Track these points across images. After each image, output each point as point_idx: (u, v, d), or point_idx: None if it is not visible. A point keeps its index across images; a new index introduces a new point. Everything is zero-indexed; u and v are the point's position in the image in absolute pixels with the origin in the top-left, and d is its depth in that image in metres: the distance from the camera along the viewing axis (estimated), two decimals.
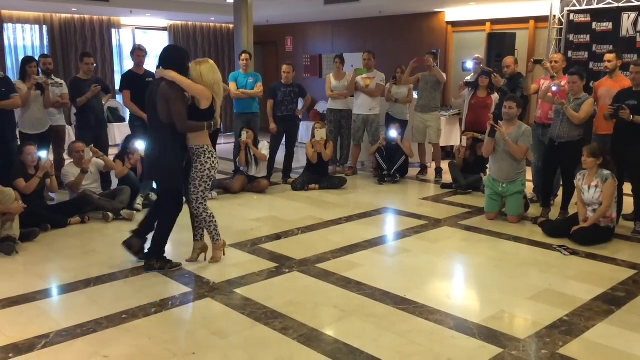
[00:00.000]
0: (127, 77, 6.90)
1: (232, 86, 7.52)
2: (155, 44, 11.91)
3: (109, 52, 11.06)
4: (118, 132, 10.19)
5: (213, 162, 4.32)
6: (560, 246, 4.94)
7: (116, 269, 4.41)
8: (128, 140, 6.42)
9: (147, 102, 4.36)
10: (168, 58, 4.29)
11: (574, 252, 4.82)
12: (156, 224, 4.43)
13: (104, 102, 7.31)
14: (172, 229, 4.41)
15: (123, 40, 11.34)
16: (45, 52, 10.21)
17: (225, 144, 9.80)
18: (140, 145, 6.25)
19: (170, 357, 3.13)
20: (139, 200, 6.09)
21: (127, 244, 4.53)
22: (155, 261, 4.37)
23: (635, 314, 3.68)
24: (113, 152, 7.01)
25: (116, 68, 11.24)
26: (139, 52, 6.81)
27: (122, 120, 10.64)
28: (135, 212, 5.88)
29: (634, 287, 4.09)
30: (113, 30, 11.14)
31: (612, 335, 3.37)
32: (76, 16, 10.60)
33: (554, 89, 5.60)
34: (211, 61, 4.30)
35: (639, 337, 3.36)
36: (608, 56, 5.88)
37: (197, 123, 4.18)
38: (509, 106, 5.68)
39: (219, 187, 6.98)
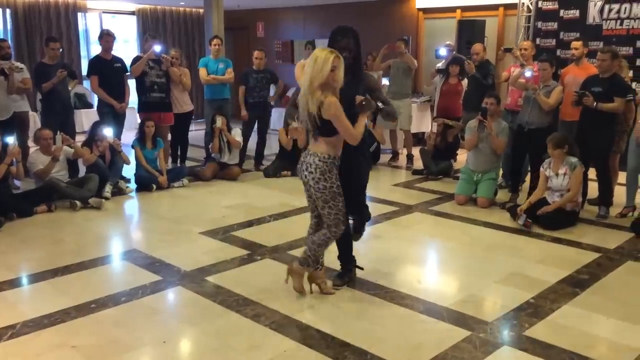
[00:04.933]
0: (94, 62, 6.76)
1: (203, 72, 7.44)
2: (123, 28, 11.67)
3: (75, 37, 10.77)
4: (85, 118, 9.97)
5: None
6: (525, 216, 5.11)
7: (85, 258, 4.34)
8: (96, 126, 6.29)
9: None
10: None
11: (530, 226, 5.04)
12: None
13: (70, 88, 7.14)
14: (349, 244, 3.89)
15: (90, 24, 11.07)
16: (9, 37, 9.92)
17: (197, 131, 9.70)
18: (108, 132, 6.14)
19: (140, 346, 3.10)
20: (108, 189, 6.00)
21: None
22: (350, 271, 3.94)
23: (599, 295, 3.78)
24: (80, 139, 6.87)
25: (83, 53, 10.97)
26: (107, 37, 6.66)
27: (90, 106, 10.41)
28: (103, 200, 5.79)
29: (598, 270, 4.21)
30: (79, 14, 10.84)
31: (576, 317, 3.46)
32: None
33: (528, 74, 5.64)
34: (322, 52, 3.29)
35: (602, 318, 3.46)
36: (575, 44, 5.97)
37: (293, 111, 4.11)
38: (490, 102, 5.78)
39: (189, 174, 6.92)
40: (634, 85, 6.38)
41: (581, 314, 3.50)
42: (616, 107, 5.27)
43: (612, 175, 5.66)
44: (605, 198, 5.52)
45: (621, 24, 7.27)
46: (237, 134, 7.08)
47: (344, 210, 3.51)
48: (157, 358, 3.06)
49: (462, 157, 7.05)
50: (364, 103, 3.41)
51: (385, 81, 8.09)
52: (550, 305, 3.60)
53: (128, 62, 6.91)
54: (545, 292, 3.80)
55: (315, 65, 3.25)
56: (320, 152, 3.40)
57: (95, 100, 7.23)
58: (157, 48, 6.75)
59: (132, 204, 6.08)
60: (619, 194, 5.63)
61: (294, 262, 3.71)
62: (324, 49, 3.34)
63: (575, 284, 3.94)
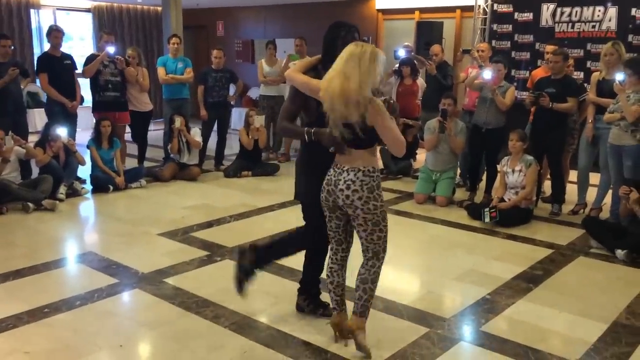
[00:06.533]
0: (43, 59, 6.54)
1: (161, 71, 7.32)
2: (78, 26, 11.40)
3: (27, 34, 10.47)
4: (38, 117, 9.66)
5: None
6: (490, 209, 5.19)
7: (37, 262, 4.21)
8: (49, 126, 6.11)
9: None
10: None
11: (496, 217, 5.14)
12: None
13: (22, 87, 6.92)
14: (320, 267, 3.36)
15: (43, 21, 10.76)
16: None
17: (155, 131, 9.54)
18: (62, 131, 5.97)
19: (96, 350, 3.03)
20: (62, 190, 5.84)
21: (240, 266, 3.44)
22: (303, 299, 3.47)
23: (552, 290, 3.90)
24: (33, 139, 6.66)
25: (36, 50, 10.65)
26: (55, 33, 6.45)
27: (43, 105, 10.10)
28: (58, 202, 5.63)
29: (551, 266, 4.33)
30: (32, 11, 10.54)
31: (530, 312, 3.56)
32: None
33: (489, 76, 5.69)
34: (366, 47, 2.74)
35: (555, 312, 3.56)
36: (550, 48, 5.94)
37: (293, 127, 3.10)
38: (447, 103, 5.87)
39: (148, 175, 6.80)
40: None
41: (535, 309, 3.60)
42: (570, 107, 5.44)
43: (564, 174, 5.83)
44: (558, 196, 5.69)
45: (572, 27, 7.51)
46: (196, 134, 7.00)
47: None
48: None
49: (421, 156, 7.14)
50: (392, 102, 2.90)
51: None
52: (505, 301, 3.68)
53: (83, 60, 6.74)
54: (501, 288, 3.89)
55: (361, 65, 2.67)
56: (363, 165, 2.83)
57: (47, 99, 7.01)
58: (111, 49, 6.59)
59: (87, 206, 5.94)
60: (571, 191, 5.80)
61: (353, 318, 2.98)
62: (361, 43, 2.77)
63: (529, 280, 4.04)
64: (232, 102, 7.74)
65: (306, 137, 2.94)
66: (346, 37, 3.03)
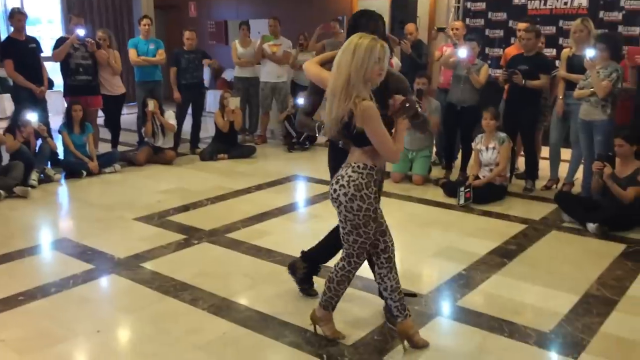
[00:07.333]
0: (7, 44, 6.34)
1: (133, 53, 7.19)
2: (47, 8, 11.11)
3: None
4: (8, 103, 9.44)
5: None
6: (465, 189, 5.22)
7: (10, 249, 4.15)
8: (18, 111, 5.98)
9: None
10: None
11: (470, 198, 5.19)
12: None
13: None
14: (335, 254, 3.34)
15: (10, 4, 10.45)
16: None
17: (129, 115, 9.39)
18: (32, 117, 5.84)
19: (72, 337, 3.01)
20: (34, 176, 5.73)
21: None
22: (304, 266, 3.41)
23: (525, 264, 3.98)
24: (3, 124, 6.51)
25: (4, 35, 10.36)
26: (18, 16, 6.24)
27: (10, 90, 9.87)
28: (30, 188, 5.52)
29: (524, 241, 4.41)
30: None
31: (504, 286, 3.63)
32: None
33: (464, 55, 5.66)
34: (364, 40, 2.59)
35: (528, 286, 3.64)
36: (522, 25, 5.89)
37: (309, 121, 3.08)
38: (422, 82, 5.88)
39: (122, 159, 6.70)
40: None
41: (509, 283, 3.67)
42: (543, 84, 5.49)
43: (537, 150, 5.91)
44: (531, 172, 5.77)
45: (545, 4, 7.55)
46: (170, 116, 6.91)
47: (373, 237, 2.81)
48: (91, 348, 2.98)
49: None
50: (407, 105, 2.64)
51: None
52: (480, 276, 3.75)
53: (52, 44, 6.56)
54: (476, 263, 3.95)
55: (355, 57, 2.53)
56: (355, 161, 2.69)
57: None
58: (81, 32, 6.44)
59: (60, 192, 5.84)
60: (544, 167, 5.90)
61: (316, 308, 3.00)
62: (362, 35, 2.61)
63: (503, 255, 4.12)
64: (209, 68, 7.60)
65: (317, 132, 2.90)
66: (367, 25, 2.90)
